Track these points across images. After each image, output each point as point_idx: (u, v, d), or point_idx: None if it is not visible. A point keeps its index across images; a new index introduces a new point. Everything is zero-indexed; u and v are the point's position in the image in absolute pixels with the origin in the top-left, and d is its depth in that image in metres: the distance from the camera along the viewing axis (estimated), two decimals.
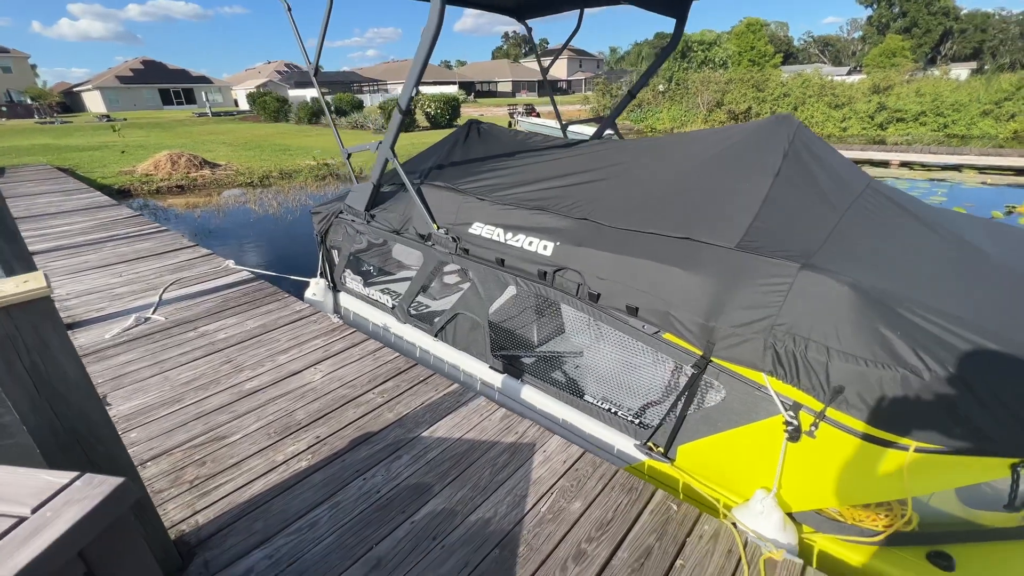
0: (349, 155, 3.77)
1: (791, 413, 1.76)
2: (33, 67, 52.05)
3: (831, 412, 1.68)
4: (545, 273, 2.50)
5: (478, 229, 2.87)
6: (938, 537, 1.74)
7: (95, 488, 1.01)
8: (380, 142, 3.30)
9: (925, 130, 18.24)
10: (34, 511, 0.95)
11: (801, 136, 2.39)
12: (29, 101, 40.90)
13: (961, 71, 25.67)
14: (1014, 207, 9.11)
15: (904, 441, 1.57)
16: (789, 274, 1.80)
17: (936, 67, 26.63)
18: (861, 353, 1.62)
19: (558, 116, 4.93)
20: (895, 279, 1.82)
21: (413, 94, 2.86)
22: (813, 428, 1.72)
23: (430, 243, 3.15)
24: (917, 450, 1.55)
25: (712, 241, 2.03)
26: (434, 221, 3.07)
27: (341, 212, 3.85)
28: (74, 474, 1.04)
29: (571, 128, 4.90)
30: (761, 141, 2.41)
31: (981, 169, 12.99)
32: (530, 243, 2.60)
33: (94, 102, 44.08)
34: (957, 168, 13.24)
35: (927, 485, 1.59)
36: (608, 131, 4.76)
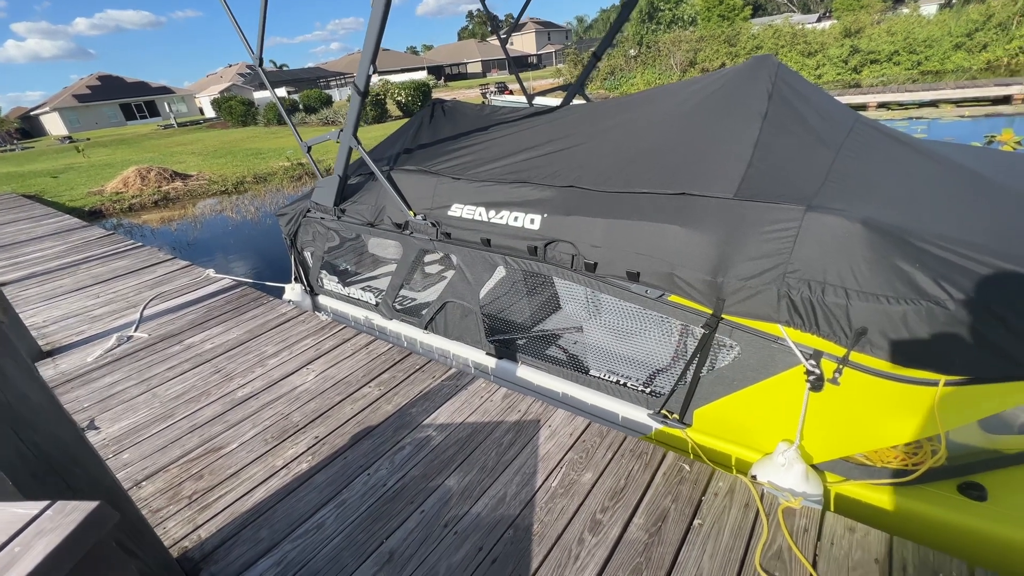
0: (309, 148, 3.60)
1: (812, 362, 1.71)
2: None
3: (854, 356, 1.63)
4: (535, 248, 2.42)
5: (458, 211, 2.76)
6: (967, 468, 1.71)
7: (67, 516, 0.94)
8: (341, 130, 3.14)
9: (899, 69, 18.14)
10: (2, 547, 0.88)
11: (783, 76, 2.29)
12: None
13: (930, 7, 25.44)
14: (994, 137, 9.11)
15: (933, 376, 1.52)
16: (795, 218, 1.73)
17: (905, 5, 26.37)
18: (882, 291, 1.56)
19: (524, 90, 4.80)
20: (903, 211, 1.76)
21: (370, 72, 2.70)
22: (836, 375, 1.67)
23: (408, 232, 3.03)
24: (947, 383, 1.51)
25: (708, 193, 1.95)
26: (409, 208, 2.96)
27: (309, 211, 3.68)
28: (44, 503, 0.97)
29: (537, 100, 4.76)
30: (743, 85, 2.32)
31: (958, 103, 12.99)
32: (515, 219, 2.50)
33: (54, 124, 42.56)
34: (934, 104, 13.22)
35: (959, 417, 1.55)
36: (577, 99, 4.62)
